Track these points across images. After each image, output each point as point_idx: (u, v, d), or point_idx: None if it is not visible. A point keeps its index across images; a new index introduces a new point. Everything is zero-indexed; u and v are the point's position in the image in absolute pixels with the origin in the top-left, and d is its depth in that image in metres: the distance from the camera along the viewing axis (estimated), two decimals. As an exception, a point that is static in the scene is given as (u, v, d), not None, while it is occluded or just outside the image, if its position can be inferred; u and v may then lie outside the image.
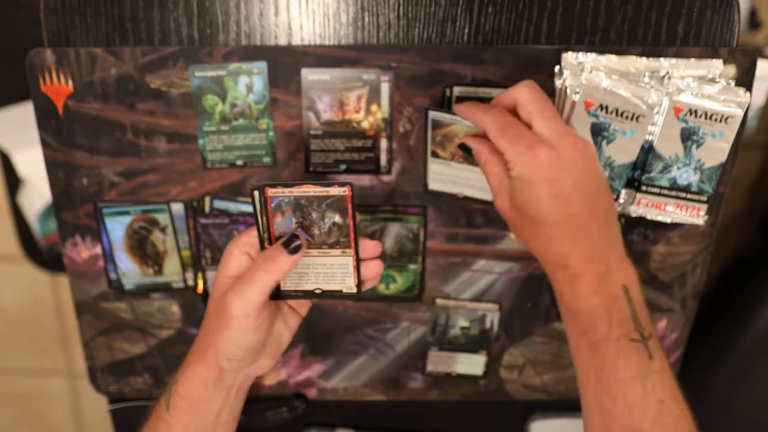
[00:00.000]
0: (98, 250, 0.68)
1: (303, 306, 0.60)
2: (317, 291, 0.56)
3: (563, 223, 0.53)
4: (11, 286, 1.39)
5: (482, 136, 0.58)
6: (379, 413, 0.79)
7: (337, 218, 0.54)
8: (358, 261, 0.55)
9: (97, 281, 0.69)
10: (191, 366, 0.56)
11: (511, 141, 0.53)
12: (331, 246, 0.55)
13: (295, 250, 0.53)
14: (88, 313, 0.71)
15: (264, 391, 0.76)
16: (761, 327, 1.04)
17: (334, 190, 0.53)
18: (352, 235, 0.54)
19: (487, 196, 0.64)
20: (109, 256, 0.68)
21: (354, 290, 0.56)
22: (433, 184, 0.65)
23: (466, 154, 0.59)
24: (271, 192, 0.54)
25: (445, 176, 0.64)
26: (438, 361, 0.74)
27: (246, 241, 0.55)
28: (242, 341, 0.54)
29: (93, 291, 0.70)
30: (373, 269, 0.56)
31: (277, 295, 0.56)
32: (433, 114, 0.61)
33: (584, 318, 0.53)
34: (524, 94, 0.54)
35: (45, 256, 1.11)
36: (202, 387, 0.56)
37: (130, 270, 0.69)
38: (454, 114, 0.59)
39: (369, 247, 0.56)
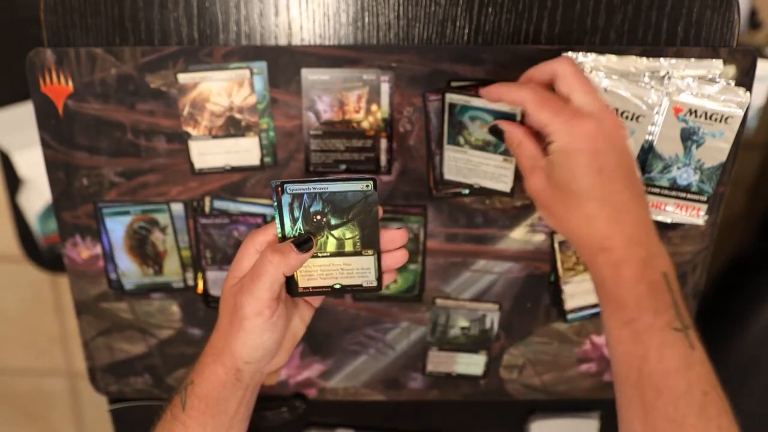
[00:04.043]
0: (98, 250, 0.68)
1: (317, 298, 0.59)
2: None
3: (607, 200, 0.51)
4: (11, 286, 1.39)
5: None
6: (379, 413, 0.79)
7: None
8: (380, 254, 0.54)
9: (97, 281, 0.69)
10: (208, 367, 0.55)
11: (554, 112, 0.52)
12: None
13: (305, 249, 0.53)
14: (88, 313, 0.71)
15: (264, 391, 0.76)
16: (761, 327, 1.04)
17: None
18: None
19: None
20: (109, 256, 0.68)
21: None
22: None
23: (497, 138, 0.58)
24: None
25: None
26: (438, 361, 0.74)
27: (262, 240, 0.54)
28: (258, 343, 0.53)
29: (93, 291, 0.70)
30: (397, 259, 0.55)
31: (296, 292, 0.56)
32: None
33: (629, 307, 0.50)
34: (565, 68, 0.53)
35: (45, 256, 1.12)
36: (221, 387, 0.55)
37: (130, 270, 0.69)
38: (475, 96, 0.58)
39: (396, 238, 0.54)
